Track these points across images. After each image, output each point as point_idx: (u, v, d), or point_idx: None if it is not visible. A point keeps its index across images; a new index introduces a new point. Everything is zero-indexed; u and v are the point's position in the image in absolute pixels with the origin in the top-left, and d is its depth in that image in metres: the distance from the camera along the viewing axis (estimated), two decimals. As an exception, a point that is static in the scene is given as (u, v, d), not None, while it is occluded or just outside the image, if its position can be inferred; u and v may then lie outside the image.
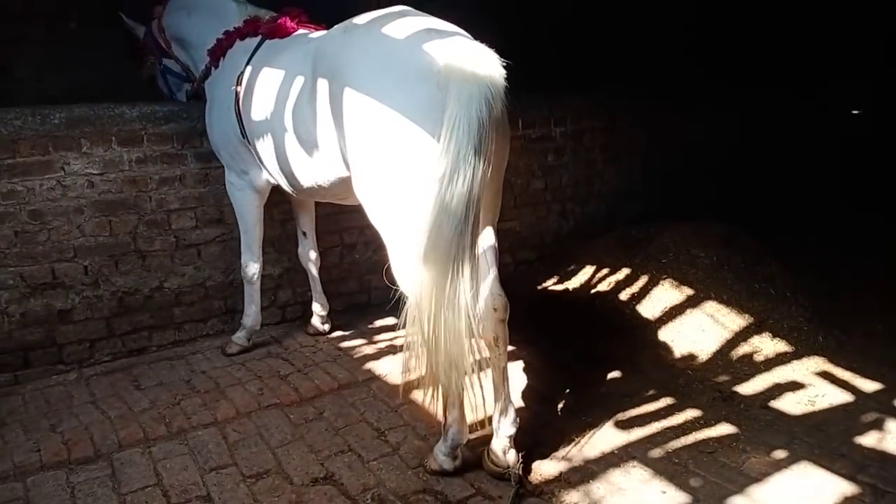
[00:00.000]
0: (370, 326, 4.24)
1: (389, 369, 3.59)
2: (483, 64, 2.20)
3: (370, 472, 2.73)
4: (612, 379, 3.53)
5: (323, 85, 2.56)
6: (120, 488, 2.65)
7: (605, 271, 4.76)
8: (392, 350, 3.82)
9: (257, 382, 3.48)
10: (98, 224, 3.68)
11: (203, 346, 3.98)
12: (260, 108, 3.11)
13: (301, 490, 2.63)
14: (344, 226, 4.42)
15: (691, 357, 3.71)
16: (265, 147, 3.14)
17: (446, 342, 2.26)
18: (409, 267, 2.39)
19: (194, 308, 4.05)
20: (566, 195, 5.44)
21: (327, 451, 2.88)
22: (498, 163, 2.46)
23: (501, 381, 2.63)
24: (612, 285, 4.56)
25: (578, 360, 3.71)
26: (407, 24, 2.40)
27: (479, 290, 2.40)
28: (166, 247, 3.90)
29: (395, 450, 2.87)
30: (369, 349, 3.89)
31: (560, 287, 4.85)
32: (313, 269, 4.03)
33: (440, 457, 2.67)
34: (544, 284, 4.93)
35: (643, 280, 4.39)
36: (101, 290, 3.76)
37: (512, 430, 2.64)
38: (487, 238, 2.57)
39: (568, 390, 3.39)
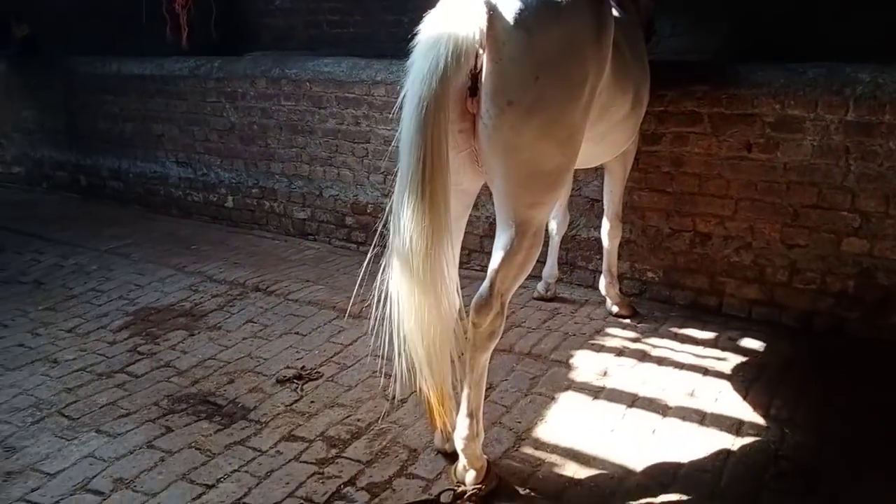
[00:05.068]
0: (677, 330, 3.62)
1: (585, 363, 3.23)
2: (455, 17, 2.02)
3: (391, 423, 2.84)
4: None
5: None
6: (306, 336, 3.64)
7: None
8: (633, 355, 3.34)
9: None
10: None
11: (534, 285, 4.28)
12: None
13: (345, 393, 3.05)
14: (700, 210, 3.77)
15: None
16: None
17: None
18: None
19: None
20: None
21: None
22: (512, 133, 2.13)
23: (467, 386, 2.35)
24: None
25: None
26: None
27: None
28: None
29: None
30: (619, 342, 3.47)
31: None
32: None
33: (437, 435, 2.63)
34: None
35: None
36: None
37: (461, 445, 2.36)
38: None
39: None
